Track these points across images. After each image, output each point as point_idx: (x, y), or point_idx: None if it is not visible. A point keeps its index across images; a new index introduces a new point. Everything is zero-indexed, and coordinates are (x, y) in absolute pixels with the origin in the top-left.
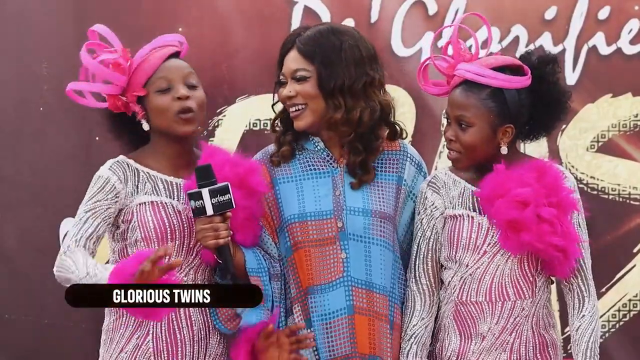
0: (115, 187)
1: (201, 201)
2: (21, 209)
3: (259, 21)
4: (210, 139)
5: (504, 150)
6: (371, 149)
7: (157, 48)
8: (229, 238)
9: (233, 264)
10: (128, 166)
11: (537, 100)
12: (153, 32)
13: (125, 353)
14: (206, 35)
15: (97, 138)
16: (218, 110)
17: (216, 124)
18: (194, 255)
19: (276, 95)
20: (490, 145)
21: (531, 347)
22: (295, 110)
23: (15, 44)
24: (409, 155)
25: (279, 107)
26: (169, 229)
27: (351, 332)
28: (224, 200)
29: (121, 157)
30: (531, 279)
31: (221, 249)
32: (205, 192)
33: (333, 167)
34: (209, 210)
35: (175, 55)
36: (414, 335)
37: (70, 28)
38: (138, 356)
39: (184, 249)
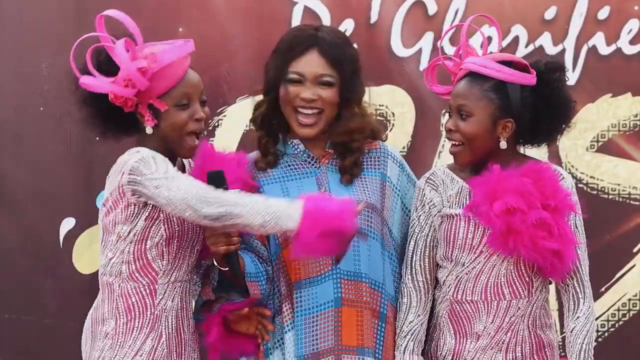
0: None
1: None
2: (21, 209)
3: (259, 21)
4: (210, 139)
5: (503, 145)
6: (360, 149)
7: (181, 58)
8: (239, 245)
9: (240, 270)
10: None
11: (541, 103)
12: (153, 32)
13: (141, 356)
14: (206, 35)
15: (97, 138)
16: (218, 110)
17: (216, 124)
18: (194, 255)
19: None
20: (489, 138)
21: (527, 347)
22: (311, 114)
23: (15, 44)
24: (389, 153)
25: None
26: (186, 228)
27: (337, 325)
28: None
29: None
30: (527, 279)
31: (230, 255)
32: None
33: (315, 167)
34: None
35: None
36: (411, 332)
37: (70, 28)
38: (155, 357)
39: (189, 249)
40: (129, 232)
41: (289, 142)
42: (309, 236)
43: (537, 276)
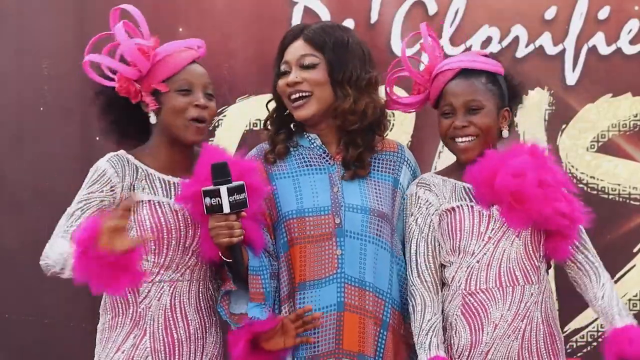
0: (110, 180)
1: (218, 199)
2: (21, 209)
3: (259, 21)
4: (210, 139)
5: (505, 133)
6: (369, 145)
7: (184, 49)
8: (242, 237)
9: (243, 263)
10: (127, 162)
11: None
12: (153, 32)
13: (123, 352)
14: (206, 36)
15: (97, 138)
16: (218, 110)
17: (216, 124)
18: (189, 254)
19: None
20: (495, 128)
21: (542, 337)
22: (299, 98)
23: (15, 44)
24: (406, 158)
25: (272, 105)
26: (165, 229)
27: (338, 329)
28: (240, 199)
29: (122, 152)
30: (536, 263)
31: (233, 248)
32: (223, 189)
33: (329, 164)
34: (226, 208)
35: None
36: (432, 329)
37: (70, 28)
38: (135, 355)
39: (180, 248)
40: None
41: (306, 135)
42: (81, 258)
43: (542, 262)
